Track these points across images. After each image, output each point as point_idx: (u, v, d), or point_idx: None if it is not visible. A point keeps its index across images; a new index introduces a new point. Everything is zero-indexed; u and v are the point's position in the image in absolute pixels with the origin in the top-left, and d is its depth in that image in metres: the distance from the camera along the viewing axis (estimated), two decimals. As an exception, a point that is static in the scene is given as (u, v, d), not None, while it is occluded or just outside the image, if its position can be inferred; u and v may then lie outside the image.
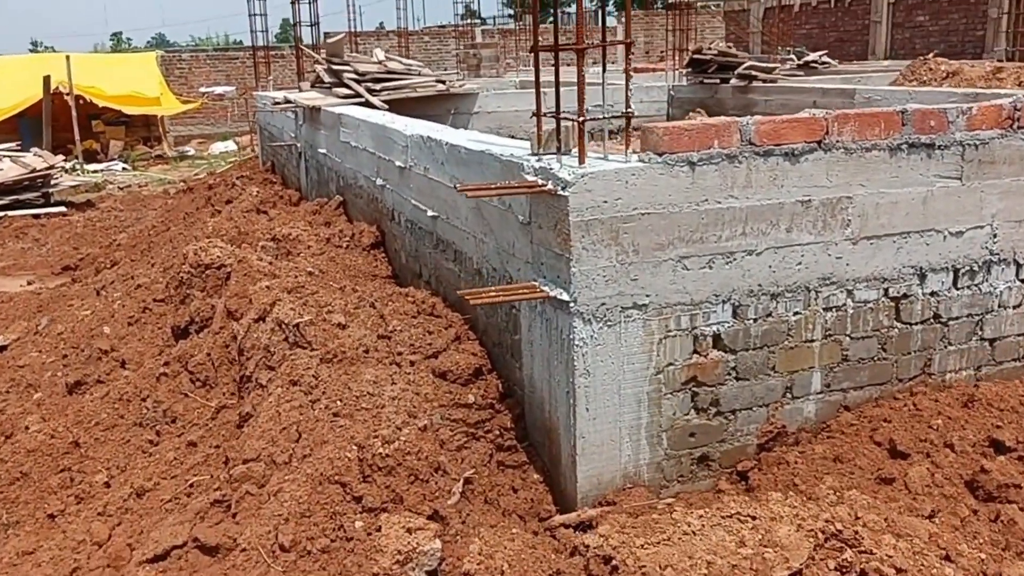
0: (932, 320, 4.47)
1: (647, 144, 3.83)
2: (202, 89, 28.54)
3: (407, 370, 4.57)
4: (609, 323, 3.87)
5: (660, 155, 3.78)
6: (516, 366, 4.60)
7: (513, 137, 7.64)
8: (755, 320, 4.13)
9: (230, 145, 24.68)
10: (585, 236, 3.74)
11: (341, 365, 4.61)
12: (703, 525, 3.42)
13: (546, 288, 3.91)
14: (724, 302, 4.05)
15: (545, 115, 4.11)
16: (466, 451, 4.17)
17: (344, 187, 8.52)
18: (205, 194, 12.78)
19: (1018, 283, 4.57)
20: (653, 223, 3.84)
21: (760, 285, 4.09)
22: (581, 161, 3.78)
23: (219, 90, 28.28)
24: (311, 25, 12.62)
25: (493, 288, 3.99)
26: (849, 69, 16.66)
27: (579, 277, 3.77)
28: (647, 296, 3.91)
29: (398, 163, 6.37)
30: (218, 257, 6.42)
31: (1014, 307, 4.61)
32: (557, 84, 4.00)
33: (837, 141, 4.06)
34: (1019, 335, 4.66)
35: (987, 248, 4.46)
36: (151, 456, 4.93)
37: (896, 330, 4.41)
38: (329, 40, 10.32)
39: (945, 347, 4.54)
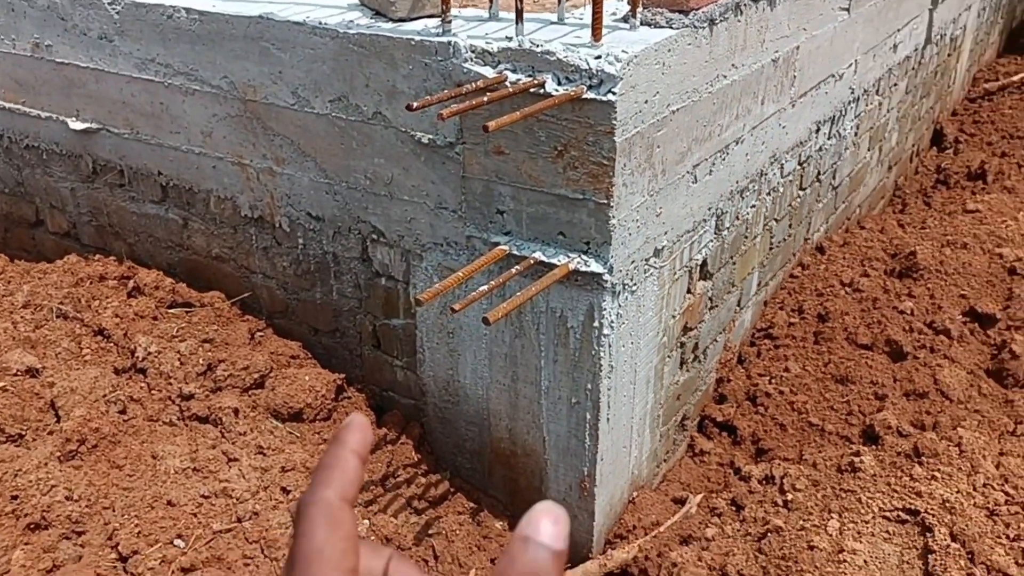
0: (816, 180, 3.86)
1: (658, -4, 2.36)
2: None
3: (237, 425, 2.60)
4: (633, 289, 2.50)
5: (687, 13, 2.37)
6: (394, 363, 2.93)
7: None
8: (729, 229, 3.07)
9: None
10: (627, 163, 2.24)
11: (99, 452, 2.46)
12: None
13: (539, 255, 2.34)
14: (713, 216, 2.90)
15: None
16: (434, 537, 2.52)
17: None
18: None
19: (854, 119, 4.14)
20: (680, 123, 2.47)
21: (737, 182, 3.01)
22: (597, 33, 2.18)
23: None
24: None
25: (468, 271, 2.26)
26: None
27: (618, 231, 2.29)
28: (665, 235, 2.59)
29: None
30: None
31: (851, 146, 4.21)
32: None
33: (796, -28, 3.02)
34: (847, 175, 4.31)
35: (850, 87, 3.91)
36: None
37: (798, 200, 3.72)
38: None
39: (816, 206, 3.99)
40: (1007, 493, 2.53)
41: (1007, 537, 2.37)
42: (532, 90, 2.16)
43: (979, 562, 2.29)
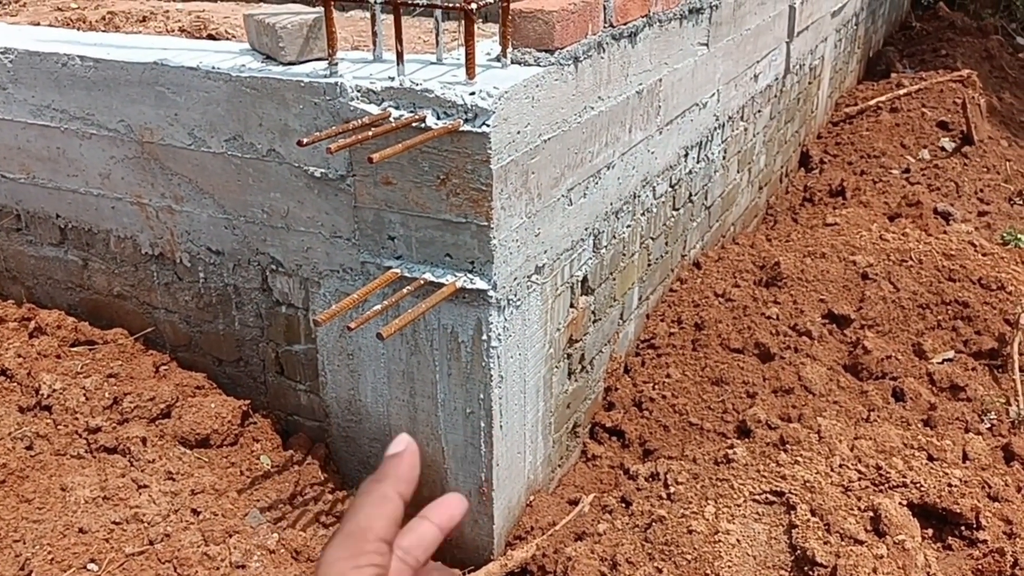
0: (688, 201, 4.18)
1: (526, 38, 2.61)
2: None
3: (146, 454, 2.70)
4: (517, 304, 2.71)
5: (552, 52, 2.62)
6: (298, 387, 3.07)
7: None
8: (607, 247, 3.32)
9: None
10: (504, 188, 2.47)
11: (8, 488, 2.52)
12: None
13: (429, 276, 2.54)
14: (590, 235, 3.16)
15: None
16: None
17: None
18: None
19: (721, 144, 4.50)
20: (552, 151, 2.71)
21: (612, 204, 3.28)
22: (471, 72, 2.41)
23: None
24: None
25: (348, 298, 2.43)
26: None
27: (500, 250, 2.51)
28: (545, 253, 2.82)
29: None
30: None
31: (720, 169, 4.56)
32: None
33: (654, 13, 3.32)
34: (719, 196, 4.66)
35: (714, 114, 4.26)
36: None
37: (672, 219, 4.02)
38: None
39: (691, 225, 4.31)
40: (859, 471, 2.83)
41: (858, 508, 2.66)
42: (414, 124, 2.37)
43: (834, 531, 2.57)
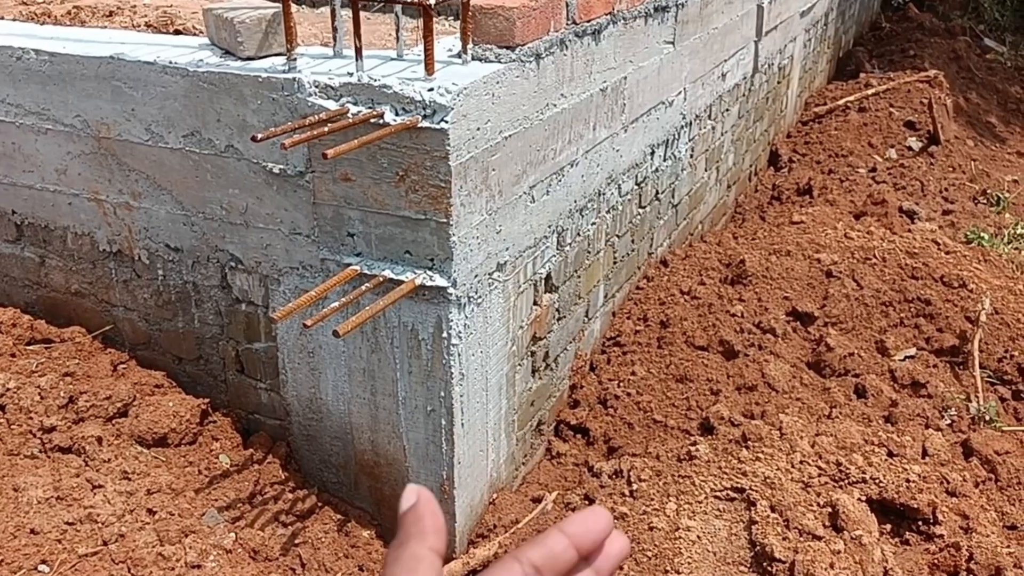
0: (655, 199, 4.18)
1: (487, 35, 2.60)
2: None
3: (101, 453, 2.66)
4: (479, 302, 2.70)
5: (513, 49, 2.61)
6: (258, 386, 3.04)
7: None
8: (571, 245, 3.32)
9: None
10: (463, 185, 2.46)
11: (-40, 489, 2.48)
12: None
13: (388, 273, 2.52)
14: (553, 233, 3.15)
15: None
16: (301, 547, 2.63)
17: None
18: None
19: (688, 142, 4.51)
20: (513, 148, 2.70)
21: (576, 201, 3.27)
22: (430, 68, 2.40)
23: None
24: None
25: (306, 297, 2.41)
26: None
27: (459, 247, 2.50)
28: (507, 250, 2.81)
29: None
30: None
31: (688, 167, 4.58)
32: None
33: (619, 10, 3.32)
34: (686, 194, 4.67)
35: (681, 112, 4.26)
36: None
37: (639, 217, 4.02)
38: None
39: (657, 223, 4.32)
40: (819, 467, 2.85)
41: (817, 504, 2.67)
42: (372, 120, 2.35)
43: (793, 527, 2.58)
